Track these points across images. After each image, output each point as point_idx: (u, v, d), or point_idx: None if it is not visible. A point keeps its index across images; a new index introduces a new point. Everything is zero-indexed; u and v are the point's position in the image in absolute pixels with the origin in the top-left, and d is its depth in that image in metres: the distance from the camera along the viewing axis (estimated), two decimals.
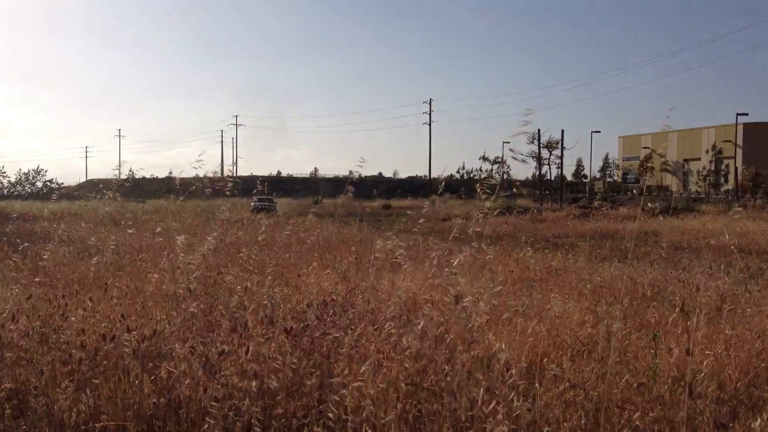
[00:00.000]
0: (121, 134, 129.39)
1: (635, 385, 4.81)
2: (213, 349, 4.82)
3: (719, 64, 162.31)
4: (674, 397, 4.61)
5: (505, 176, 78.66)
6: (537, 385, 4.82)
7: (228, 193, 7.22)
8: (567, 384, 4.79)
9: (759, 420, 3.81)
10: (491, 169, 77.60)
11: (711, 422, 4.33)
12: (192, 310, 6.04)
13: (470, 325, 5.02)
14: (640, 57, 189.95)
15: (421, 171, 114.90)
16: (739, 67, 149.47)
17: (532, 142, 62.00)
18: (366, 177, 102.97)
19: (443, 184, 5.62)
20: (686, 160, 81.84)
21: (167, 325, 5.69)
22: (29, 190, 77.67)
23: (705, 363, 5.09)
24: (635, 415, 4.40)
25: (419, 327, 4.89)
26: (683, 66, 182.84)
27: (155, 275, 7.61)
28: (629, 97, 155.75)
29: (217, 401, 4.18)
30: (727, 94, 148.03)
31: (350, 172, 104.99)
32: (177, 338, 5.31)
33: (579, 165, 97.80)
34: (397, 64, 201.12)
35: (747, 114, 64.34)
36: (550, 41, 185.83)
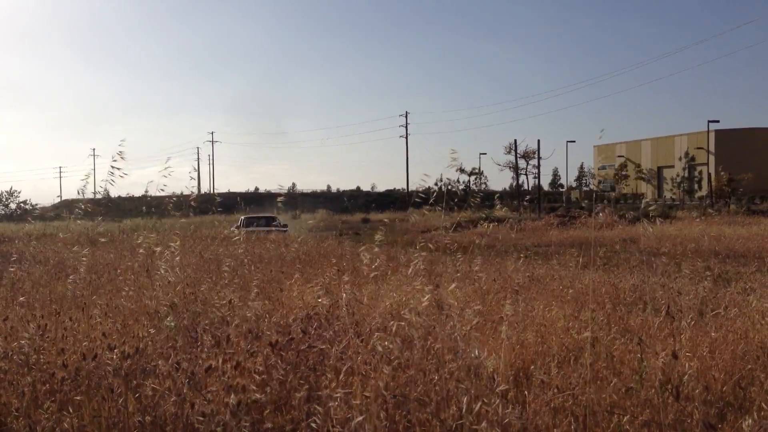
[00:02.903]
0: (95, 153, 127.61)
1: (623, 389, 4.82)
2: (198, 365, 4.75)
3: (690, 73, 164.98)
4: (662, 400, 4.62)
5: (483, 187, 78.97)
6: (525, 392, 4.82)
7: (214, 209, 7.16)
8: (555, 390, 4.79)
9: (750, 420, 3.83)
10: (468, 181, 77.93)
11: (699, 424, 4.34)
12: (174, 324, 5.96)
13: (455, 334, 5.02)
14: (611, 68, 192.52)
15: (399, 184, 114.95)
16: (709, 75, 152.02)
17: (509, 153, 62.53)
18: (344, 191, 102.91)
19: (433, 194, 5.61)
20: (660, 168, 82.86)
21: (150, 343, 5.61)
22: (2, 212, 76.38)
23: (690, 366, 5.12)
24: (624, 419, 4.41)
25: (406, 337, 4.88)
26: (654, 75, 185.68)
27: (135, 291, 7.52)
28: (603, 106, 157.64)
29: (204, 417, 4.11)
30: (699, 101, 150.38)
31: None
32: (160, 355, 5.23)
33: (555, 174, 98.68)
34: (374, 78, 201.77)
35: (718, 121, 65.45)
36: (524, 54, 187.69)
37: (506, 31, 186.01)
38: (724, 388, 5.00)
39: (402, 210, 70.13)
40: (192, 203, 7.47)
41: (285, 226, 32.42)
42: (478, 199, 6.10)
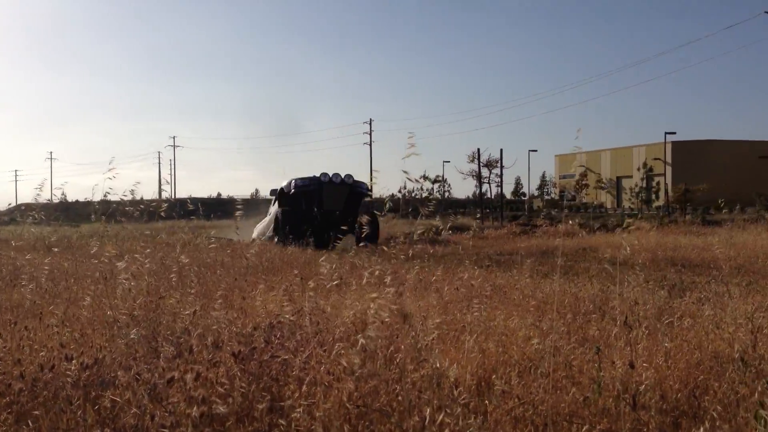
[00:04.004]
0: (53, 157, 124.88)
1: (581, 398, 4.91)
2: (158, 376, 4.70)
3: (649, 85, 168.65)
4: (619, 409, 4.72)
5: (446, 195, 79.41)
6: (486, 402, 4.87)
7: (163, 215, 7.07)
8: (516, 400, 4.86)
9: (702, 429, 3.93)
10: (432, 188, 78.36)
11: None
12: (134, 336, 5.89)
13: (419, 345, 5.05)
14: (573, 78, 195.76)
15: None
16: (667, 87, 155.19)
17: (473, 161, 62.98)
18: None
19: (396, 201, 5.66)
20: (619, 178, 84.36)
21: (109, 353, 5.53)
22: None
23: (646, 375, 5.23)
24: (583, 429, 4.48)
25: (368, 347, 4.90)
26: (615, 86, 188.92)
27: (93, 300, 7.40)
28: (564, 116, 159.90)
29: (165, 429, 4.07)
30: (656, 113, 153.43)
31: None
32: (120, 366, 5.17)
33: (518, 183, 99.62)
34: (339, 85, 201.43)
35: (675, 133, 67.20)
36: (486, 63, 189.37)
37: (468, 40, 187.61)
38: (680, 397, 5.12)
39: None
40: (160, 211, 7.38)
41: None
42: (436, 207, 6.17)
